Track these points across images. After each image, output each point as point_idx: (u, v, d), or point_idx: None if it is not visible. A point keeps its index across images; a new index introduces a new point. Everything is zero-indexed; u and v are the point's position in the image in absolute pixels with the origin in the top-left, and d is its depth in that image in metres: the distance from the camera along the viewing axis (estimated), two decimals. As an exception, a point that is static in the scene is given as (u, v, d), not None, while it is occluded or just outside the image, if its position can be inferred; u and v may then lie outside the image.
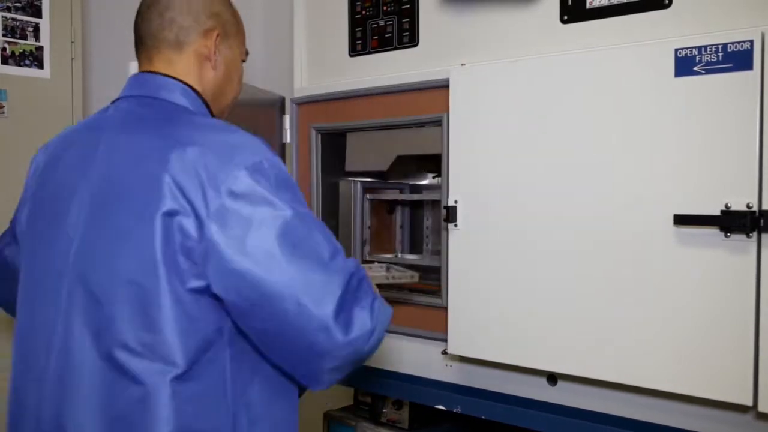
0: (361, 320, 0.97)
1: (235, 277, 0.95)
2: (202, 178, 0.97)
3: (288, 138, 1.99)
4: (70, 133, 1.20)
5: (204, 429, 0.98)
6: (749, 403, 1.19)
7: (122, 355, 0.96)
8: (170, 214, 0.96)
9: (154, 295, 0.96)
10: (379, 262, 1.90)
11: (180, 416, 0.96)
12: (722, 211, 1.20)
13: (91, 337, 0.98)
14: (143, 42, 1.17)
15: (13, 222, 1.27)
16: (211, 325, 0.99)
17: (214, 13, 1.17)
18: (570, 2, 1.45)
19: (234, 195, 0.96)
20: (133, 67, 1.44)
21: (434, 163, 1.76)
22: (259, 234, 0.95)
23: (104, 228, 1.02)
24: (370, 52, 1.82)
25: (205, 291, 0.97)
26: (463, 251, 1.54)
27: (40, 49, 2.15)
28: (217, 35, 1.17)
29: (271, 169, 1.01)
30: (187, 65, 1.15)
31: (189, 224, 0.96)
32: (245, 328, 1.01)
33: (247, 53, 1.28)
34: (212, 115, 1.19)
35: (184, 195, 0.96)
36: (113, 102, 1.17)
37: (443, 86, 1.59)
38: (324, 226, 1.04)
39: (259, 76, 2.64)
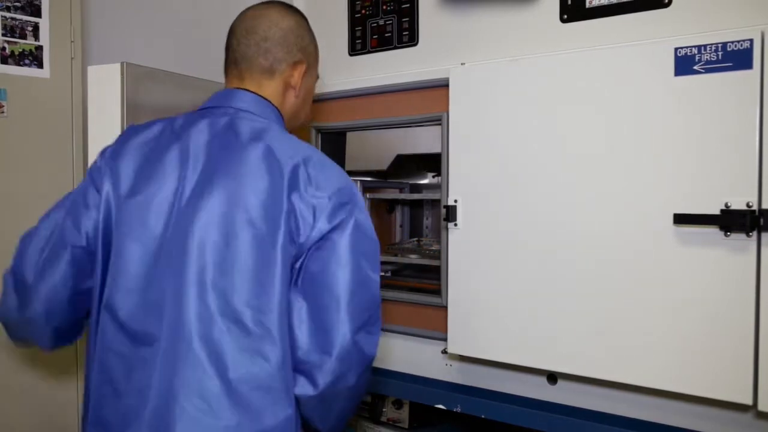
0: None
1: None
2: None
3: (288, 137, 1.99)
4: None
5: None
6: (749, 402, 1.19)
7: None
8: None
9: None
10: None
11: None
12: (722, 210, 1.20)
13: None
14: (237, 63, 1.29)
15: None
16: None
17: (302, 48, 1.32)
18: (570, 1, 1.45)
19: None
20: (94, 72, 1.65)
21: (434, 162, 1.76)
22: None
23: None
24: (369, 52, 1.82)
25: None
26: (463, 251, 1.54)
27: (39, 48, 2.15)
28: (305, 68, 1.32)
29: None
30: (275, 90, 1.29)
31: None
32: None
33: (318, 77, 1.43)
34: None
35: None
36: (207, 108, 1.27)
37: (443, 85, 1.59)
38: None
39: (259, 75, 2.63)
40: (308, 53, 1.34)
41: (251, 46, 1.28)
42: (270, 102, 1.28)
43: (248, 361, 1.07)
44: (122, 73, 1.62)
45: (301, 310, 1.12)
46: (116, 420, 1.11)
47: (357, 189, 1.20)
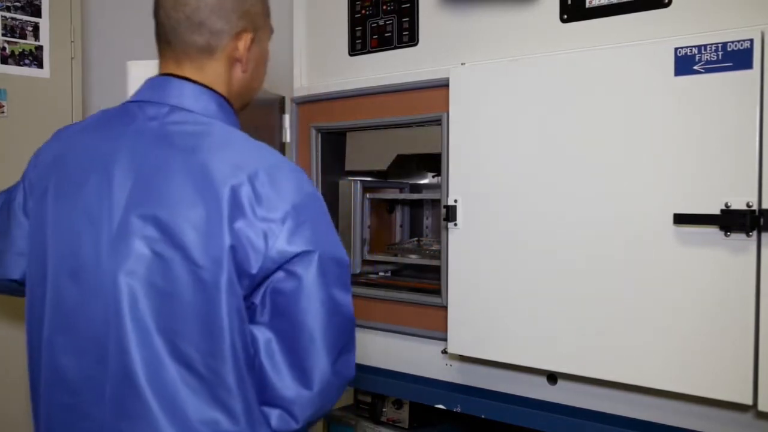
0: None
1: None
2: None
3: (288, 138, 1.99)
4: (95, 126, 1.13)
5: None
6: (749, 402, 1.19)
7: None
8: None
9: None
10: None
11: None
12: (722, 210, 1.19)
13: None
14: (170, 42, 1.10)
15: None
16: None
17: (245, 12, 1.10)
18: (570, 1, 1.45)
19: None
20: (134, 68, 1.49)
21: (434, 162, 1.76)
22: None
23: None
24: (369, 52, 1.81)
25: None
26: (463, 250, 1.54)
27: (39, 48, 2.15)
28: (251, 38, 1.12)
29: None
30: (217, 70, 1.10)
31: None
32: None
33: (272, 31, 1.21)
34: (236, 110, 1.17)
35: None
36: (138, 101, 1.10)
37: (443, 85, 1.59)
38: None
39: (259, 75, 2.63)
40: (254, 15, 1.12)
41: (181, 20, 1.07)
42: (214, 90, 1.09)
43: (206, 407, 0.98)
44: None
45: (269, 343, 1.01)
46: None
47: (317, 198, 1.05)
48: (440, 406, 1.61)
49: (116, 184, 1.02)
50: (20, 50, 2.10)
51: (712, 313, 1.22)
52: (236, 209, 0.97)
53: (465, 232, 1.54)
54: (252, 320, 1.02)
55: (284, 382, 1.02)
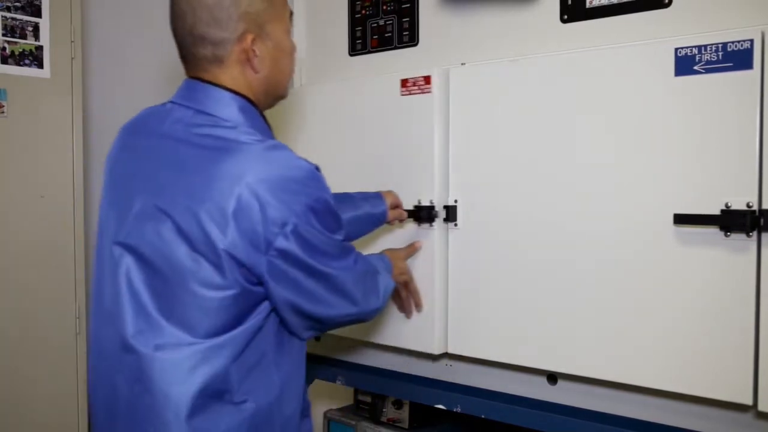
0: None
1: None
2: None
3: (288, 137, 1.99)
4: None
5: None
6: (749, 402, 1.19)
7: None
8: None
9: None
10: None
11: None
12: (722, 211, 1.19)
13: None
14: (184, 55, 1.16)
15: None
16: None
17: (242, 14, 1.10)
18: (570, 2, 1.45)
19: None
20: (456, 72, 1.48)
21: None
22: None
23: None
24: (370, 52, 1.82)
25: None
26: (463, 251, 1.54)
27: (39, 48, 2.15)
28: (252, 39, 1.12)
29: None
30: (232, 75, 1.13)
31: None
32: None
33: (291, 14, 1.23)
34: (266, 106, 1.24)
35: None
36: (172, 102, 1.17)
37: (443, 86, 1.59)
38: None
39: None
40: (254, 14, 1.11)
41: (186, 36, 1.11)
42: (236, 93, 1.13)
43: (204, 384, 1.05)
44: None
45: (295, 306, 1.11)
46: None
47: (318, 202, 1.06)
48: (440, 406, 1.61)
49: (140, 178, 1.12)
50: (20, 50, 2.10)
51: (712, 313, 1.22)
52: (240, 212, 1.02)
53: (465, 232, 1.54)
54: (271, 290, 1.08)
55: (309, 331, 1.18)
